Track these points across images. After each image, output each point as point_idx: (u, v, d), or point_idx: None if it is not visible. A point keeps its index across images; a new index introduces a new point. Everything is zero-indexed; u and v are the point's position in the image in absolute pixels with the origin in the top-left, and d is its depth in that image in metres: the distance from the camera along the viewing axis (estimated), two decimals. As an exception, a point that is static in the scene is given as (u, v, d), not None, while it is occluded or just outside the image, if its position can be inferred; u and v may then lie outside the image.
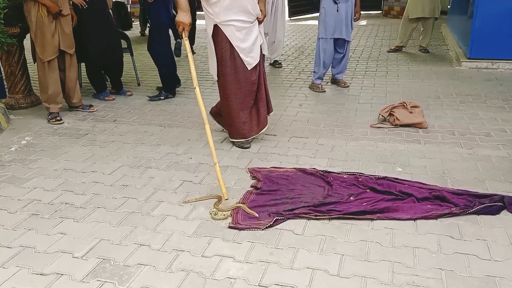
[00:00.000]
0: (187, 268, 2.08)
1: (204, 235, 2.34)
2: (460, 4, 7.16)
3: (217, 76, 3.41)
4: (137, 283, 1.99)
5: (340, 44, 5.06)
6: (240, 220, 2.46)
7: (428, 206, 2.52)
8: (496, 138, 3.54)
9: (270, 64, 6.48)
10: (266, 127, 3.58)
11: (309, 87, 5.21)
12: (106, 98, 4.87)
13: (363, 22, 10.90)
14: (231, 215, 2.52)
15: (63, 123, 4.15)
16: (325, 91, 5.06)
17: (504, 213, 2.44)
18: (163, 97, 4.86)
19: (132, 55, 5.39)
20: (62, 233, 2.38)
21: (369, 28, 9.88)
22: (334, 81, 5.34)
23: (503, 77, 5.40)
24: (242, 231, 2.36)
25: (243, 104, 3.40)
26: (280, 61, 6.44)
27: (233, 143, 3.52)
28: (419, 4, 6.68)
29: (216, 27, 3.25)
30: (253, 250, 2.21)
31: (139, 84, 5.53)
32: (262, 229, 2.36)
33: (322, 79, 5.20)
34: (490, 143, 3.44)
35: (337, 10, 4.86)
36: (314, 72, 5.16)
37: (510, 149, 3.31)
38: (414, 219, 2.41)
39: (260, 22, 3.44)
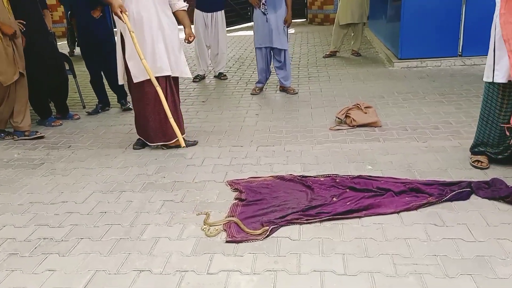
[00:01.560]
0: (197, 287, 2.05)
1: (204, 252, 2.32)
2: (383, 9, 7.70)
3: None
4: (150, 310, 1.93)
5: (276, 52, 5.30)
6: (235, 233, 2.46)
7: (407, 198, 2.70)
8: (444, 130, 3.86)
9: (215, 76, 6.52)
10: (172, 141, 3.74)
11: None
12: (52, 123, 4.62)
13: (291, 30, 11.29)
14: (224, 229, 2.52)
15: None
16: (258, 93, 5.45)
17: (473, 197, 2.68)
18: (100, 110, 5.00)
19: (75, 77, 5.16)
20: (51, 270, 2.24)
21: (299, 35, 10.27)
22: (283, 89, 5.51)
23: (433, 73, 5.89)
24: (241, 244, 2.37)
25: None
26: (224, 73, 6.49)
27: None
28: (349, 11, 7.08)
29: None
30: (257, 260, 2.23)
31: (84, 107, 5.30)
32: (261, 240, 2.39)
33: (263, 83, 5.57)
34: (440, 135, 3.74)
35: (266, 21, 5.12)
36: None
37: (459, 139, 3.63)
38: (398, 212, 2.57)
39: (189, 42, 3.73)
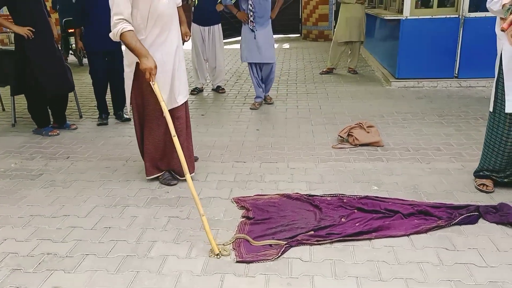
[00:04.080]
0: (210, 309, 2.01)
1: (214, 272, 2.28)
2: (380, 29, 7.82)
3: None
4: (162, 333, 1.87)
5: (265, 66, 5.46)
6: (245, 253, 2.42)
7: (416, 221, 2.70)
8: (446, 151, 3.89)
9: (213, 89, 6.51)
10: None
11: None
12: (50, 133, 4.54)
13: (286, 45, 11.40)
14: (234, 248, 2.48)
15: None
16: (257, 108, 5.47)
17: (481, 222, 2.69)
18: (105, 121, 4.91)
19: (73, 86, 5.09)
20: (57, 288, 2.17)
21: (294, 51, 10.35)
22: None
23: (430, 94, 5.96)
24: (251, 264, 2.33)
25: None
26: (222, 86, 6.48)
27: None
28: (347, 30, 7.16)
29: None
30: (269, 282, 2.19)
31: (81, 117, 5.23)
32: (272, 260, 2.35)
33: (261, 97, 5.62)
34: (442, 157, 3.77)
35: (254, 38, 5.26)
36: None
37: (462, 161, 3.66)
38: (408, 235, 2.56)
39: (185, 41, 3.49)
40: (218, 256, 2.39)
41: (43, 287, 2.17)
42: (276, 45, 11.19)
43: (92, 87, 4.94)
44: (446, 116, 4.92)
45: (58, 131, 4.60)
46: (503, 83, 2.82)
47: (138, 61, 2.95)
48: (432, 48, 6.21)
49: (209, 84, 6.67)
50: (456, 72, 6.33)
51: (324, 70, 7.62)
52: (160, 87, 3.00)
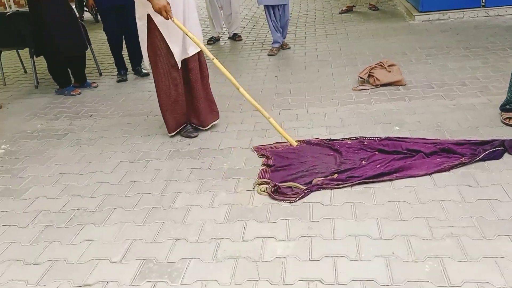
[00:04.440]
0: (234, 255, 2.08)
1: (237, 219, 2.34)
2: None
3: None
4: (190, 278, 1.97)
5: (280, 7, 5.27)
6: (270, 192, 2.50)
7: (438, 159, 2.66)
8: (472, 86, 3.75)
9: (229, 38, 6.38)
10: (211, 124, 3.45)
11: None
12: (72, 92, 4.60)
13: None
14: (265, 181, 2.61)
15: None
16: (275, 54, 5.34)
17: (507, 156, 2.63)
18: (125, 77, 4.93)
19: (90, 44, 5.08)
20: (89, 240, 2.28)
21: (312, -10, 9.91)
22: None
23: (456, 26, 5.67)
24: (272, 210, 2.38)
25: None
26: (239, 34, 6.34)
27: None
28: (366, -37, 6.78)
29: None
30: (290, 227, 2.24)
31: (100, 74, 5.26)
32: (292, 203, 2.41)
33: (279, 42, 5.46)
34: (468, 92, 3.64)
35: None
36: None
37: (488, 95, 3.53)
38: (430, 174, 2.54)
39: None
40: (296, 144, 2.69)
41: (76, 240, 2.29)
42: (293, -14, 10.78)
43: (108, 44, 4.93)
44: (472, 49, 4.70)
45: (79, 90, 4.66)
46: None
47: (149, 12, 2.91)
48: (457, -24, 5.84)
49: (226, 33, 6.53)
50: (483, 1, 5.96)
51: (344, 9, 7.31)
52: (172, 40, 2.97)
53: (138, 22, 3.13)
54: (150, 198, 2.61)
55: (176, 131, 3.39)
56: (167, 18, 2.90)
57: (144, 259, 2.11)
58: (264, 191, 2.53)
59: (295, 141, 3.10)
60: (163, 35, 3.05)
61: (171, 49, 3.09)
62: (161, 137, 3.43)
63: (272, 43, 5.48)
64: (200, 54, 3.33)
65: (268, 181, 2.61)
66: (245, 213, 2.39)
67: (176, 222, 2.37)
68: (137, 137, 3.46)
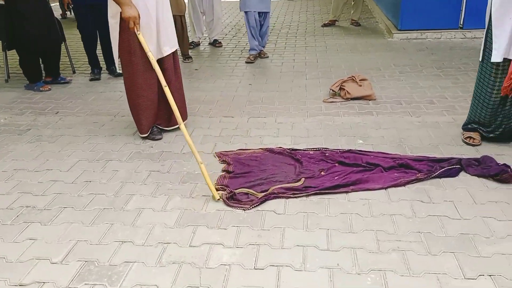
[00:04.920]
0: (178, 260, 2.04)
1: (187, 224, 2.30)
2: (386, -23, 7.47)
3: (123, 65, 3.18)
4: (129, 282, 1.92)
5: (260, 16, 5.33)
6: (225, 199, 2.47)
7: (395, 174, 2.67)
8: (439, 105, 3.79)
9: (210, 43, 6.38)
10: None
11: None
12: (41, 88, 4.52)
13: (291, -3, 11.02)
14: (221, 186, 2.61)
15: None
16: (253, 62, 5.36)
17: (463, 174, 2.65)
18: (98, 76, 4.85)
19: (64, 41, 5.01)
20: (32, 239, 2.21)
21: (298, 3, 10.01)
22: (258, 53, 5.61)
23: (433, 46, 5.76)
24: (225, 216, 2.35)
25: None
26: (219, 40, 6.34)
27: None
28: (349, -21, 6.87)
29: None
30: (240, 234, 2.21)
31: (74, 72, 5.19)
32: (250, 208, 2.38)
33: (257, 50, 5.47)
34: (434, 110, 3.68)
35: None
36: None
37: (454, 114, 3.57)
38: (385, 188, 2.54)
39: None
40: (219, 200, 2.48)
41: (19, 238, 2.22)
42: (280, -3, 10.88)
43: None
44: (445, 69, 4.77)
45: (49, 87, 4.58)
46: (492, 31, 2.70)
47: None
48: (435, -3, 5.95)
49: (207, 38, 6.52)
50: (461, 23, 6.08)
51: (326, 22, 7.38)
52: (146, 38, 2.94)
53: (111, 20, 3.09)
54: (103, 199, 2.56)
55: (148, 133, 3.33)
56: (132, 29, 2.85)
57: (85, 261, 2.05)
58: (220, 199, 2.50)
59: (259, 149, 3.09)
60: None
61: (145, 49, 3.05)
62: (125, 137, 3.38)
63: (249, 50, 5.50)
64: (174, 54, 3.31)
65: (225, 187, 2.59)
66: (197, 219, 2.35)
67: (126, 224, 2.32)
68: (101, 137, 3.40)
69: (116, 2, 2.87)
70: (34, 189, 2.68)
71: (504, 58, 2.72)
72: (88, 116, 3.84)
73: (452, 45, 5.75)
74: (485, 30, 2.79)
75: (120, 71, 4.82)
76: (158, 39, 3.13)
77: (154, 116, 3.32)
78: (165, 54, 3.20)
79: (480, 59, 2.87)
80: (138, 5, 2.90)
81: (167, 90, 2.75)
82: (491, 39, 2.72)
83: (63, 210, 2.45)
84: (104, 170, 2.89)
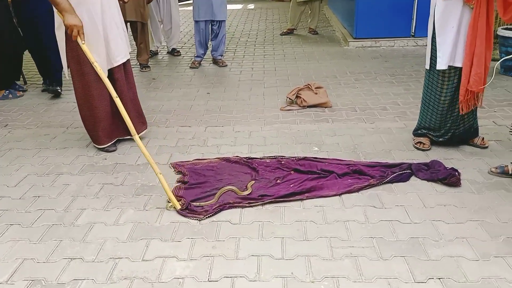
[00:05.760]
0: (130, 275, 1.99)
1: (140, 238, 2.25)
2: (341, -13, 7.66)
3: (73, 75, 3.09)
4: (78, 301, 1.85)
5: (215, 24, 5.41)
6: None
7: (349, 180, 2.71)
8: (392, 111, 3.90)
9: (168, 52, 6.32)
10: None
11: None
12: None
13: (251, 6, 11.11)
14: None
15: None
16: (197, 67, 5.51)
17: (413, 179, 2.73)
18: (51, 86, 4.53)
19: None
20: (-26, 260, 2.11)
21: (258, 11, 10.10)
22: (215, 61, 5.68)
23: (386, 54, 5.94)
24: (180, 229, 2.31)
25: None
26: (178, 49, 6.29)
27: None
28: (306, -12, 6.99)
29: None
30: (194, 246, 2.18)
31: (25, 83, 5.01)
32: (204, 218, 2.36)
33: (201, 57, 5.60)
34: (387, 116, 3.78)
35: None
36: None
37: (405, 120, 3.68)
38: (339, 194, 2.58)
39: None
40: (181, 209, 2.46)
41: (-41, 259, 2.11)
42: (240, 6, 10.95)
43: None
44: (398, 76, 4.92)
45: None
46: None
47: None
48: (389, 6, 6.14)
49: (165, 47, 6.46)
50: (413, 31, 6.30)
51: (285, 31, 7.47)
52: (94, 50, 2.87)
53: (57, 32, 3.00)
54: (52, 215, 2.46)
55: (108, 144, 3.23)
56: (75, 38, 2.76)
57: (32, 280, 1.97)
58: (173, 207, 2.46)
59: (215, 158, 3.08)
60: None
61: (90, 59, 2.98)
62: (77, 150, 3.28)
63: (195, 57, 5.63)
64: (126, 64, 3.24)
65: (180, 198, 2.55)
66: (150, 232, 2.30)
67: (75, 240, 2.24)
68: (52, 150, 3.29)
69: (58, 10, 2.79)
70: (-22, 206, 2.56)
71: (449, 66, 2.83)
72: (39, 129, 3.71)
73: (405, 53, 5.94)
74: (430, 38, 2.91)
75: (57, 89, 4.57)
76: (107, 48, 3.06)
77: (111, 126, 3.24)
78: (115, 65, 3.13)
79: (427, 67, 2.98)
80: (82, 13, 2.84)
81: (118, 101, 2.69)
82: (435, 47, 2.83)
83: (9, 228, 2.35)
84: (54, 185, 2.79)
